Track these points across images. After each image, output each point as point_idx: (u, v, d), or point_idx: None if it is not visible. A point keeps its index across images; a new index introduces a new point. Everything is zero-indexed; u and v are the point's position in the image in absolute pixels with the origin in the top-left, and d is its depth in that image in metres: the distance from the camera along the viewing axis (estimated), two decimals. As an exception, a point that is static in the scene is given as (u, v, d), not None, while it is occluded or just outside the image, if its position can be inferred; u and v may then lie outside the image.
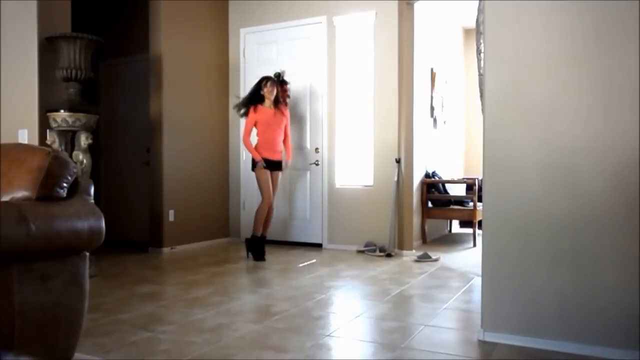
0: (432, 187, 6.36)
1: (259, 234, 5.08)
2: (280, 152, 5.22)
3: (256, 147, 5.12)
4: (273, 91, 5.13)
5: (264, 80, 5.17)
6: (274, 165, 5.16)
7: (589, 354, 2.43)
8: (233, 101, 6.37)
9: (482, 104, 2.77)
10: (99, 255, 4.86)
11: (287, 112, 5.35)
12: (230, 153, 6.42)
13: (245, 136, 5.13)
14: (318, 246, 5.79)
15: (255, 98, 5.16)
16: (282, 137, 5.23)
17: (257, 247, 5.05)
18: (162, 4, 5.48)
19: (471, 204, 6.06)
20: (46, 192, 1.91)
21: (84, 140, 4.20)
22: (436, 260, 5.02)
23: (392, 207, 5.38)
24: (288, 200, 5.99)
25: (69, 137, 4.28)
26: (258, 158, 5.06)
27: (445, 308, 3.30)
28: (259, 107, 5.13)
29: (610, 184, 2.43)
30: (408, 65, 5.42)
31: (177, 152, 5.67)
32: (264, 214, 5.08)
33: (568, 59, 2.52)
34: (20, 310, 1.75)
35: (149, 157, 5.66)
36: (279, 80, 5.33)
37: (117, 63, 6.30)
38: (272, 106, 5.16)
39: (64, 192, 1.98)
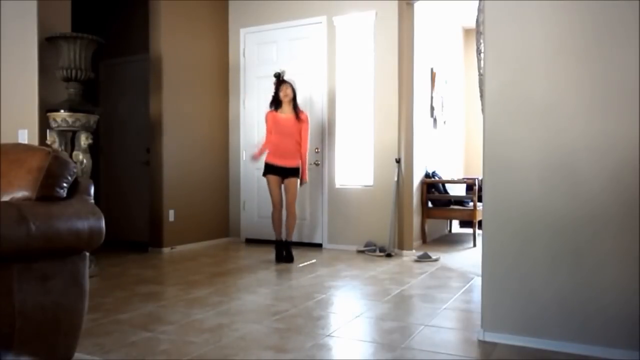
0: (432, 187, 6.36)
1: (277, 238, 5.08)
2: (293, 159, 4.98)
3: (268, 152, 5.02)
4: (287, 91, 5.00)
5: (278, 84, 5.05)
6: (282, 172, 4.97)
7: (589, 354, 2.43)
8: (234, 101, 6.40)
9: (482, 104, 2.77)
10: (99, 255, 4.86)
11: (305, 116, 5.10)
12: (230, 153, 6.42)
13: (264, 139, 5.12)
14: (318, 246, 5.79)
15: (275, 101, 5.06)
16: (295, 144, 4.99)
17: (277, 250, 5.05)
18: (162, 4, 5.48)
19: (471, 204, 6.06)
20: (46, 192, 1.91)
21: (84, 140, 4.20)
22: (436, 260, 5.02)
23: (392, 207, 5.38)
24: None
25: (69, 137, 4.28)
26: (256, 155, 5.07)
27: (445, 308, 3.30)
28: (275, 112, 5.01)
29: (610, 183, 2.43)
30: (408, 65, 5.42)
31: (177, 152, 5.67)
32: (276, 220, 5.04)
33: (568, 58, 2.52)
34: (20, 310, 1.75)
35: (149, 157, 5.66)
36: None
37: (117, 63, 6.30)
38: (290, 111, 5.00)
39: (64, 192, 1.98)
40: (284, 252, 5.01)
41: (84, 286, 2.00)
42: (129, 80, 6.20)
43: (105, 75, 6.39)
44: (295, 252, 5.21)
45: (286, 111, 5.02)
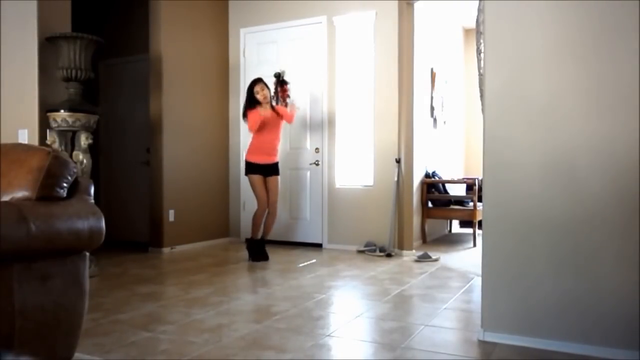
0: (432, 187, 6.36)
1: (257, 237, 5.03)
2: (276, 156, 5.04)
3: (249, 150, 4.99)
4: (264, 92, 4.93)
5: (253, 83, 4.98)
6: (267, 170, 4.99)
7: (589, 354, 2.43)
8: (234, 101, 6.40)
9: (482, 104, 2.77)
10: (99, 255, 4.86)
11: (285, 110, 5.05)
12: (230, 153, 6.42)
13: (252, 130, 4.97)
14: (318, 246, 5.79)
15: (251, 103, 4.96)
16: (278, 140, 5.04)
17: (257, 249, 4.99)
18: (162, 4, 5.48)
19: (471, 204, 6.06)
20: (46, 192, 1.90)
21: (84, 140, 4.20)
22: (436, 260, 5.01)
23: (392, 207, 5.37)
24: (288, 200, 5.99)
25: (69, 137, 4.28)
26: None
27: (445, 308, 3.30)
28: (258, 109, 4.94)
29: (610, 183, 2.43)
30: (408, 65, 5.41)
31: (177, 152, 5.67)
32: (260, 219, 4.99)
33: (568, 58, 2.52)
34: (20, 310, 1.75)
35: (149, 157, 5.66)
36: (279, 81, 5.30)
37: (117, 63, 6.30)
38: (269, 108, 4.96)
39: (64, 192, 1.98)
40: (262, 250, 4.99)
41: (84, 286, 2.00)
42: (129, 80, 6.20)
43: (105, 75, 6.39)
44: (295, 252, 5.21)
45: (265, 109, 4.97)
